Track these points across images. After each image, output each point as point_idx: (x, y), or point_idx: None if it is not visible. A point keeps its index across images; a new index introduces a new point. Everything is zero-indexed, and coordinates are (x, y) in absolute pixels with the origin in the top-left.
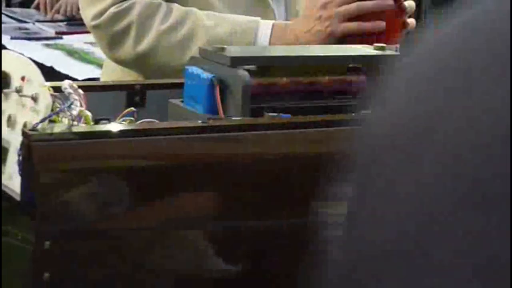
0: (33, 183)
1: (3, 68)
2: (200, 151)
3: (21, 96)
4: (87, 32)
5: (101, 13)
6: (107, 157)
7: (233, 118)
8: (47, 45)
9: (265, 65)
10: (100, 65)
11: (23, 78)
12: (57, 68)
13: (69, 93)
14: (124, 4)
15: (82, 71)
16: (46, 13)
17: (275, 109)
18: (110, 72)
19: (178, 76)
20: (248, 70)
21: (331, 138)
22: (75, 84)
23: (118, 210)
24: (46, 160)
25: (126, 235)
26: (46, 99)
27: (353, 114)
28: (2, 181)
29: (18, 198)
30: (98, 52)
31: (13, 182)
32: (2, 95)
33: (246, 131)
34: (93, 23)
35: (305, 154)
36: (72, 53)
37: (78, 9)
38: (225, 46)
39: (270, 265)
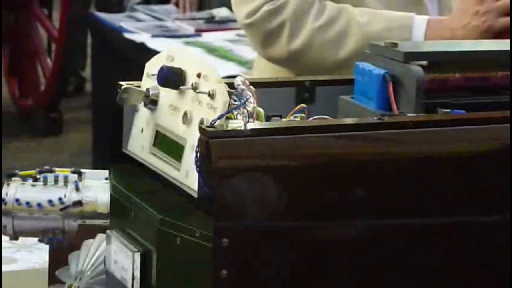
0: (211, 179)
1: (178, 65)
2: (376, 148)
3: (197, 92)
4: (226, 29)
5: (255, 11)
6: (283, 154)
7: (408, 115)
8: (187, 43)
9: (438, 60)
10: (240, 62)
11: (199, 75)
12: None
13: (242, 90)
14: (278, 2)
15: (222, 68)
16: (185, 10)
17: (448, 105)
18: (262, 69)
19: (330, 73)
20: (420, 66)
21: (506, 135)
22: (247, 81)
23: (295, 207)
24: (224, 156)
25: (304, 233)
26: (223, 96)
27: None
28: (179, 178)
29: (195, 195)
30: (238, 49)
31: (190, 179)
32: (178, 92)
33: (421, 128)
34: (247, 21)
35: (481, 150)
36: (212, 50)
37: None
38: (397, 42)
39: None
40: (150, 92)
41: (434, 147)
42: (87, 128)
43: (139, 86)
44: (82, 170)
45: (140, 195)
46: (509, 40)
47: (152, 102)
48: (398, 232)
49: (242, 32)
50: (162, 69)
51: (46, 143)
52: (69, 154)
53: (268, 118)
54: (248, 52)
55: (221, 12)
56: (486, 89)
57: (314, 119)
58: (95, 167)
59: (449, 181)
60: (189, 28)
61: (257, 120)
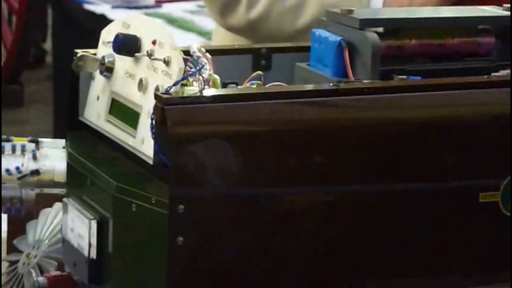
0: (166, 146)
1: (133, 32)
2: (331, 115)
3: (152, 59)
4: (186, 0)
5: None
6: (239, 121)
7: (364, 81)
8: (147, 14)
9: (394, 27)
10: (200, 33)
11: (154, 42)
12: None
13: (198, 57)
14: None
15: (182, 39)
16: None
17: (404, 71)
18: (220, 38)
19: (288, 42)
20: (376, 33)
21: (461, 101)
22: (203, 48)
23: (251, 174)
24: (180, 123)
25: (261, 200)
26: (179, 63)
27: (484, 77)
28: (134, 146)
29: (151, 162)
30: (198, 20)
31: (146, 146)
32: (134, 59)
33: (377, 94)
34: None
35: (435, 117)
36: (172, 21)
37: None
38: (353, 9)
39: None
40: (106, 60)
41: (390, 113)
42: (48, 100)
43: (95, 54)
44: (40, 139)
45: (96, 162)
46: (464, 7)
47: (107, 70)
48: (357, 199)
49: (202, 3)
50: (117, 36)
51: (7, 115)
52: (30, 126)
53: (224, 85)
54: (208, 23)
55: None
56: (442, 55)
57: (271, 85)
58: (56, 138)
59: (405, 146)
60: None
61: (213, 87)
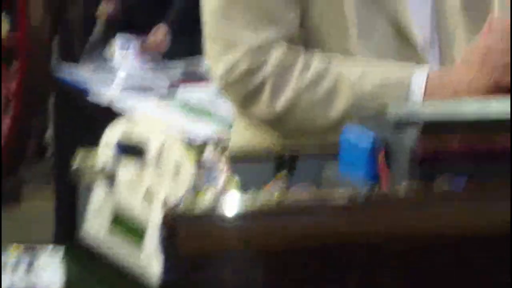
0: (176, 263)
1: (139, 134)
2: (361, 225)
3: (160, 166)
4: (203, 84)
5: (232, 70)
6: (255, 236)
7: (401, 185)
8: (162, 98)
9: (435, 125)
10: (218, 120)
11: (162, 146)
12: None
13: (213, 163)
14: (257, 57)
15: (198, 126)
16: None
17: (447, 172)
18: (241, 130)
19: (319, 135)
20: (414, 132)
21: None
22: (216, 152)
23: None
24: (192, 239)
25: None
26: (189, 170)
27: None
28: (140, 264)
29: (157, 279)
30: (216, 105)
31: (152, 264)
32: (139, 166)
33: (413, 202)
34: (222, 82)
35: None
36: (187, 107)
37: None
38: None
39: None
40: (107, 168)
41: (428, 224)
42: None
43: (97, 154)
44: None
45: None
46: None
47: (109, 179)
48: None
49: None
50: (119, 145)
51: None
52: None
53: (243, 189)
54: (226, 108)
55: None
56: (489, 155)
57: (294, 189)
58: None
59: (439, 261)
60: (163, 80)
61: (230, 189)
